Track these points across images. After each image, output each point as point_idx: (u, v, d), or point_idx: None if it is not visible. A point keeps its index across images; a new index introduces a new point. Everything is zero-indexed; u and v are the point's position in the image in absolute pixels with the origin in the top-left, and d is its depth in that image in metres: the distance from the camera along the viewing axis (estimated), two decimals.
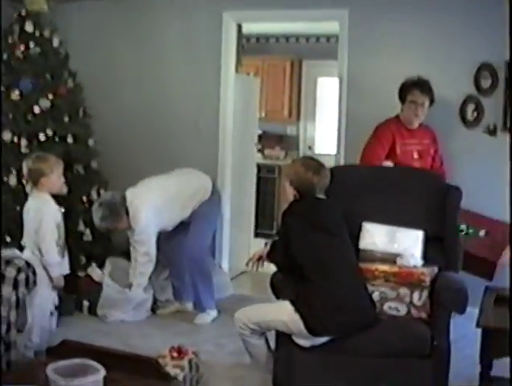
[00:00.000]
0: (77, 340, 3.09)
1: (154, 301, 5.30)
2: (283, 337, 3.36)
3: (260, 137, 8.63)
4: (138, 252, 4.95)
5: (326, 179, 3.55)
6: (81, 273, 5.25)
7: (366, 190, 3.95)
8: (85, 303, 5.14)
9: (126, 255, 5.33)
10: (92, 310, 5.11)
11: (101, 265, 5.30)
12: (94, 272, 5.26)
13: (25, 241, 4.25)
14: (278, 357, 3.39)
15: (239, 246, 6.31)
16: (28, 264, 3.50)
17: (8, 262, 3.42)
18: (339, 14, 5.35)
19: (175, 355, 3.77)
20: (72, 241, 5.26)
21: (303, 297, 3.27)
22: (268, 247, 3.72)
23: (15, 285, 3.37)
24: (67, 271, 4.38)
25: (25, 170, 4.20)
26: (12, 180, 5.16)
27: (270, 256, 3.65)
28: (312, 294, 3.25)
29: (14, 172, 5.18)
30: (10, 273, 3.37)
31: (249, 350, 3.57)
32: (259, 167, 7.61)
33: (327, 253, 3.35)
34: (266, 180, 8.10)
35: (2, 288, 3.34)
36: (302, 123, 8.85)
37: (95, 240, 5.50)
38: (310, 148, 8.77)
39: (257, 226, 7.26)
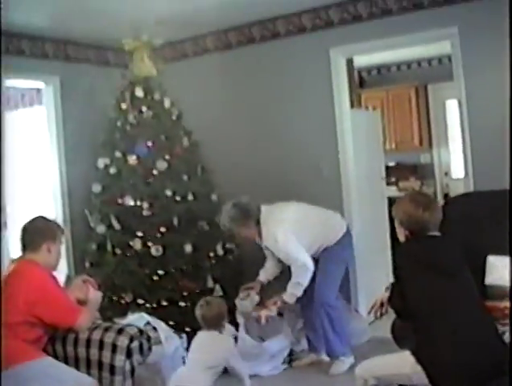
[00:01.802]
0: None
1: (291, 352, 5.14)
2: None
3: (394, 169, 8.37)
4: (294, 266, 4.78)
5: (439, 214, 3.25)
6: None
7: (490, 219, 3.63)
8: None
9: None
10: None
11: (232, 321, 5.22)
12: (225, 328, 5.18)
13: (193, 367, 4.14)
14: None
15: (377, 287, 5.98)
16: (141, 331, 3.46)
17: (120, 331, 3.39)
18: (449, 33, 5.05)
19: None
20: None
21: (423, 346, 2.98)
22: (389, 291, 3.47)
23: (129, 354, 3.33)
24: None
25: (204, 318, 4.21)
26: (137, 244, 5.24)
27: (390, 301, 3.39)
28: (433, 343, 2.96)
29: (139, 236, 5.26)
30: (123, 342, 3.34)
31: None
32: (393, 201, 7.29)
33: (444, 297, 3.03)
34: None
35: (115, 358, 3.31)
36: (435, 149, 8.47)
37: (226, 295, 5.44)
38: (446, 174, 8.36)
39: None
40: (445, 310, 3.02)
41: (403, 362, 3.04)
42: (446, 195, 8.09)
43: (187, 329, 5.03)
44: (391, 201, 7.07)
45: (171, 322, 4.89)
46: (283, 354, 5.08)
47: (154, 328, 4.68)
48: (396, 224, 3.33)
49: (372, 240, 6.08)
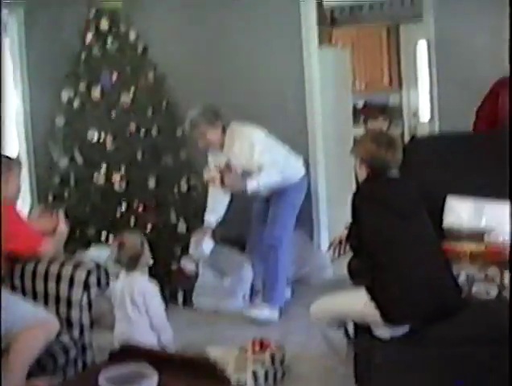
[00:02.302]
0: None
1: (251, 289, 5.19)
2: (362, 328, 3.12)
3: (362, 109, 8.36)
4: (268, 169, 4.55)
5: (400, 154, 3.25)
6: (174, 265, 5.21)
7: (451, 161, 3.61)
8: (179, 294, 5.10)
9: (223, 240, 5.28)
10: (186, 301, 5.08)
11: None
12: (187, 264, 5.21)
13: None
14: (357, 350, 3.17)
15: (339, 225, 6.02)
16: (98, 265, 3.45)
17: (77, 265, 3.38)
18: None
19: (256, 348, 3.65)
20: (165, 233, 5.29)
21: (378, 284, 3.02)
22: (347, 230, 3.48)
23: (86, 288, 3.33)
24: None
25: (118, 260, 3.75)
26: (100, 178, 5.20)
27: (349, 240, 3.41)
28: (387, 281, 3.00)
29: (102, 170, 5.22)
30: (80, 276, 3.33)
31: (328, 343, 3.37)
32: None
33: (400, 237, 3.07)
34: None
35: (72, 291, 3.31)
36: (405, 90, 8.43)
37: (189, 230, 5.44)
38: (415, 115, 8.35)
39: None
40: (400, 251, 3.05)
41: (357, 300, 3.08)
42: (413, 137, 8.09)
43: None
44: None
45: None
46: (243, 291, 5.12)
47: None
48: (356, 164, 3.31)
49: (336, 178, 6.10)
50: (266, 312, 4.73)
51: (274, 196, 4.79)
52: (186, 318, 4.75)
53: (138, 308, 3.66)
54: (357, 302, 3.07)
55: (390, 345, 3.06)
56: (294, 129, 5.60)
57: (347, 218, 6.14)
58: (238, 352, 3.63)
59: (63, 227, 3.70)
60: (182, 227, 5.45)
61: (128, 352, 2.81)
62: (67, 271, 3.36)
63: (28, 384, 2.72)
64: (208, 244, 4.83)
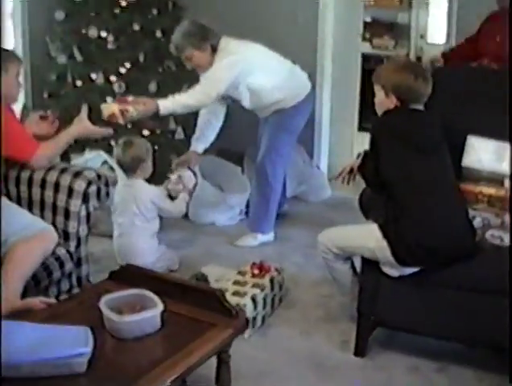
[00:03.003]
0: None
1: (247, 204, 5.08)
2: (370, 264, 3.03)
3: (369, 25, 8.03)
4: (201, 86, 4.09)
5: (431, 87, 3.07)
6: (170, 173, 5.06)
7: (476, 97, 3.40)
8: None
9: (221, 154, 5.14)
10: None
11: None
12: (185, 174, 5.07)
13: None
14: (363, 285, 3.08)
15: (341, 143, 5.88)
16: (99, 175, 3.27)
17: (77, 174, 3.19)
18: None
19: (256, 272, 3.56)
20: (163, 140, 5.13)
21: (392, 221, 2.90)
22: (360, 159, 3.33)
23: (85, 199, 3.17)
24: None
25: (119, 161, 3.87)
26: (99, 78, 4.98)
27: (361, 170, 3.26)
28: (402, 219, 2.88)
29: (101, 70, 4.99)
30: (80, 186, 3.15)
31: (333, 275, 3.29)
32: (366, 58, 7.03)
33: (420, 173, 2.93)
34: (373, 72, 7.50)
35: (70, 202, 3.14)
36: (414, 10, 8.06)
37: (188, 138, 5.28)
38: (422, 37, 8.03)
39: (361, 120, 6.76)
40: (417, 188, 2.93)
41: (368, 235, 2.97)
42: (419, 59, 7.85)
43: None
44: (364, 58, 6.84)
45: None
46: (241, 205, 5.03)
47: (112, 168, 4.56)
48: (380, 92, 3.10)
49: (342, 95, 5.89)
50: (256, 240, 4.54)
51: (273, 118, 4.42)
52: (181, 231, 4.65)
53: (144, 215, 3.82)
54: (369, 238, 2.96)
55: (396, 282, 2.99)
56: (304, 42, 5.39)
57: (347, 139, 6.02)
58: (237, 275, 3.54)
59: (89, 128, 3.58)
60: (180, 133, 5.31)
61: (128, 273, 2.71)
62: (66, 180, 3.16)
63: (24, 303, 2.56)
64: (189, 179, 4.36)
